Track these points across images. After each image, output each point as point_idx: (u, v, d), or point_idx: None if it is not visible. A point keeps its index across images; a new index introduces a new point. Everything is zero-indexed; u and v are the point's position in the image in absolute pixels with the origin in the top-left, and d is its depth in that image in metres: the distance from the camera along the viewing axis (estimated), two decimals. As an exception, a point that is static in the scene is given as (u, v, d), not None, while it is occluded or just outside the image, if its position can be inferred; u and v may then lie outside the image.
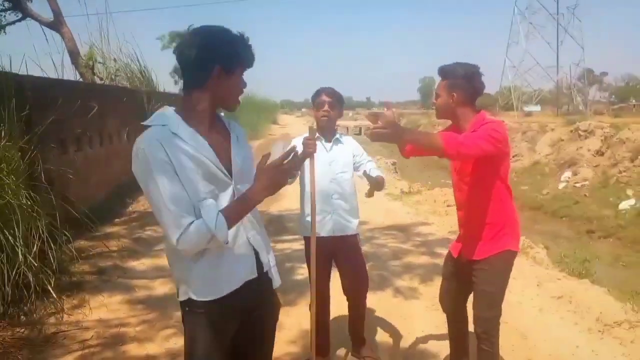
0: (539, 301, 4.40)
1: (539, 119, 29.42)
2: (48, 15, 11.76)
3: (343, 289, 3.25)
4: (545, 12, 53.73)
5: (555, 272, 5.23)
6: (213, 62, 1.64)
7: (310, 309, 2.58)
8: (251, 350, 1.92)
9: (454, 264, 2.85)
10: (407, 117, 42.27)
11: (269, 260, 1.90)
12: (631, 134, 14.66)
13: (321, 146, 3.04)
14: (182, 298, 1.77)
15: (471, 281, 2.69)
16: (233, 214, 1.65)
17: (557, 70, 54.47)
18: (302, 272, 4.63)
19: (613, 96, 70.15)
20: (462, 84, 2.52)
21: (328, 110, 3.02)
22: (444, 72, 2.59)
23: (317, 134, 2.87)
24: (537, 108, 51.91)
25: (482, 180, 2.56)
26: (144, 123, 1.64)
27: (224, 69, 1.66)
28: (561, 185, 13.24)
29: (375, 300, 4.20)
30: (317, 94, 3.07)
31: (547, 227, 10.55)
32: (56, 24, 11.57)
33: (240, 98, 1.79)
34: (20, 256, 3.74)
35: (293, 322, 3.82)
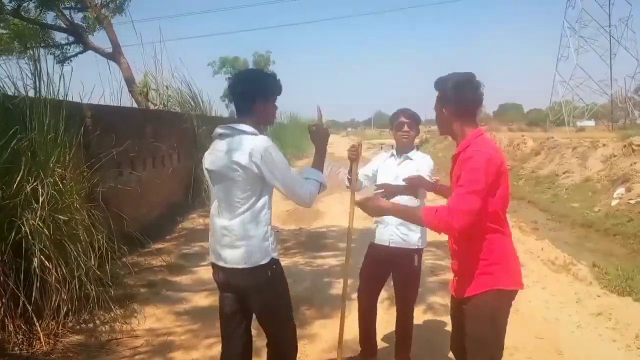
0: (577, 318, 4.36)
1: (592, 135, 28.29)
2: (107, 45, 12.67)
3: (395, 300, 3.46)
4: (597, 24, 52.09)
5: (596, 289, 5.12)
6: (255, 96, 2.41)
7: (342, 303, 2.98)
8: None
9: (451, 303, 2.53)
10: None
11: None
12: (690, 148, 13.94)
13: (393, 160, 3.39)
14: (265, 260, 2.36)
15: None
16: (320, 166, 2.52)
17: (610, 83, 52.37)
18: (338, 287, 4.77)
19: (674, 109, 66.52)
20: (451, 97, 2.28)
21: (408, 130, 3.29)
22: (436, 83, 2.34)
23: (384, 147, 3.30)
24: (591, 123, 50.04)
25: None
26: (251, 132, 2.36)
27: (263, 100, 2.43)
28: (614, 202, 12.63)
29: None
30: (396, 116, 3.34)
31: (599, 246, 10.10)
32: (114, 54, 12.40)
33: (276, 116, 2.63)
34: (83, 267, 4.06)
35: (329, 334, 3.97)
